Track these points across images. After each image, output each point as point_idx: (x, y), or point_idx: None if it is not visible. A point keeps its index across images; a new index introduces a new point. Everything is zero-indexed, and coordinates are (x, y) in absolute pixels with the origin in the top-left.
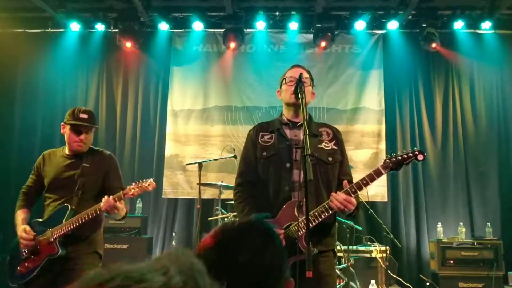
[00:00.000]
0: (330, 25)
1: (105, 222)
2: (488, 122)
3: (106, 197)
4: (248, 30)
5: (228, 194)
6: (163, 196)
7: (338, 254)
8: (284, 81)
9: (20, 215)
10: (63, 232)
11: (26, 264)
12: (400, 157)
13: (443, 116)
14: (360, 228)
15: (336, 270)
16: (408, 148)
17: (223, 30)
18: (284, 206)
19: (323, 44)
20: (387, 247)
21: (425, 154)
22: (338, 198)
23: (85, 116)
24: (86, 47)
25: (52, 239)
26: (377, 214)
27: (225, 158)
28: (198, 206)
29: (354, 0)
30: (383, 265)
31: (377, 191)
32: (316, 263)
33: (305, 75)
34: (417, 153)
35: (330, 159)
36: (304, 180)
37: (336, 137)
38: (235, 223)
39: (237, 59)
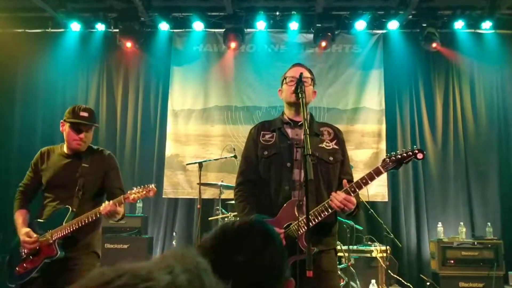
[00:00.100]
0: (330, 25)
1: (105, 222)
2: (489, 122)
3: (106, 202)
4: (248, 30)
5: (228, 194)
6: (163, 196)
7: (339, 254)
8: (284, 81)
9: (19, 217)
10: (62, 234)
11: (24, 265)
12: (399, 156)
13: (444, 116)
14: (361, 228)
15: None
16: (408, 148)
17: (224, 30)
18: (284, 205)
19: (323, 44)
20: (388, 247)
21: (425, 152)
22: (338, 197)
23: (85, 114)
24: (87, 47)
25: (51, 241)
26: (378, 214)
27: (225, 158)
28: (198, 206)
29: (354, 0)
30: (384, 265)
31: (378, 190)
32: (318, 260)
33: (306, 74)
34: (416, 151)
35: (331, 158)
36: (304, 180)
37: (337, 136)
38: (235, 223)
39: (238, 59)
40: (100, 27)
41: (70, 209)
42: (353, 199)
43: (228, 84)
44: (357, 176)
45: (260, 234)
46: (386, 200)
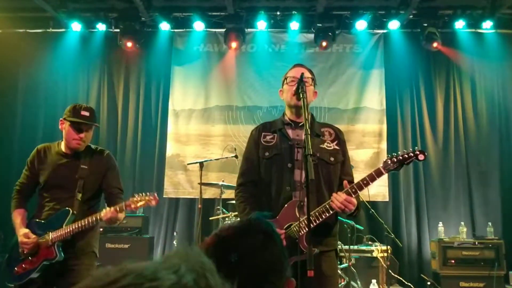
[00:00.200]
0: (331, 24)
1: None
2: (489, 122)
3: (108, 208)
4: (249, 30)
5: (229, 194)
6: (164, 196)
7: (339, 254)
8: (285, 81)
9: (18, 217)
10: (62, 237)
11: (23, 265)
12: (400, 157)
13: (444, 116)
14: (361, 228)
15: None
16: (409, 148)
17: (224, 30)
18: (285, 206)
19: (324, 44)
20: (388, 247)
21: (426, 153)
22: (338, 198)
23: (86, 113)
24: (87, 47)
25: (50, 243)
26: (378, 214)
27: (226, 157)
28: (199, 206)
29: (355, 0)
30: (384, 265)
31: (378, 190)
32: (318, 263)
33: (307, 74)
34: (418, 152)
35: (332, 159)
36: (305, 180)
37: (338, 137)
38: (235, 222)
39: (238, 59)
40: (101, 27)
41: (71, 211)
42: (354, 200)
43: (229, 84)
44: (358, 176)
45: (261, 233)
46: (387, 200)
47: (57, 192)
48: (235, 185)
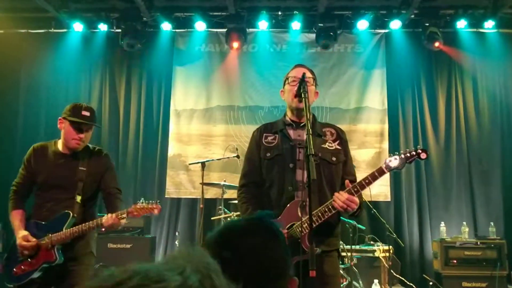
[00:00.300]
0: (332, 24)
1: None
2: (491, 121)
3: (109, 214)
4: (250, 29)
5: (231, 194)
6: (166, 196)
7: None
8: (287, 81)
9: (16, 218)
10: (63, 240)
11: (22, 266)
12: (402, 156)
13: (446, 116)
14: (363, 228)
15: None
16: (411, 148)
17: (226, 30)
18: (287, 206)
19: (325, 43)
20: (390, 247)
21: (428, 152)
22: (340, 197)
23: (87, 113)
24: (89, 47)
25: (50, 246)
26: (380, 214)
27: (228, 158)
28: (201, 206)
29: (356, 0)
30: (386, 265)
31: (380, 190)
32: (320, 263)
33: (308, 74)
34: (420, 151)
35: (333, 159)
36: (307, 180)
37: (340, 137)
38: (239, 220)
39: (240, 59)
40: (103, 27)
41: (71, 214)
42: (356, 199)
43: (231, 84)
44: (359, 176)
45: (264, 232)
46: (389, 199)
47: (55, 193)
48: (236, 185)
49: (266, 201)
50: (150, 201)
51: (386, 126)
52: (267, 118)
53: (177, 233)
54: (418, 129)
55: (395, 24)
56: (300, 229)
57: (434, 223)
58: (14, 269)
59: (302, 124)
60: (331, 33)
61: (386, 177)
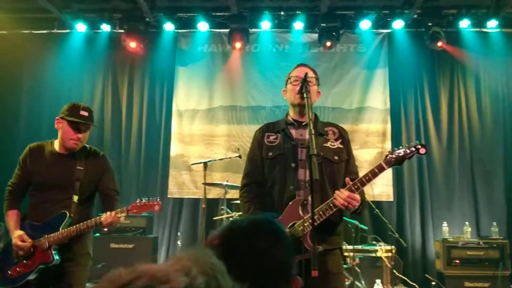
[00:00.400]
0: (335, 24)
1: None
2: (494, 121)
3: (108, 212)
4: (253, 30)
5: (233, 194)
6: (168, 196)
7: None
8: (289, 81)
9: (11, 218)
10: (60, 240)
11: (17, 268)
12: (402, 152)
13: (449, 115)
14: (366, 228)
15: None
16: (411, 143)
17: (228, 30)
18: (289, 204)
19: (328, 43)
20: (393, 247)
21: (427, 147)
22: (341, 195)
23: (85, 113)
24: (92, 47)
25: (47, 247)
26: (383, 214)
27: (230, 158)
28: (203, 206)
29: (359, 0)
30: (389, 265)
31: (383, 190)
32: (323, 261)
33: (311, 74)
34: (419, 146)
35: (336, 157)
36: (309, 180)
37: (342, 136)
38: (243, 221)
39: (242, 59)
40: (105, 27)
41: (68, 214)
42: (357, 197)
43: (233, 84)
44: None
45: (268, 232)
46: (391, 199)
47: (52, 193)
48: (239, 185)
49: (268, 200)
50: (150, 198)
51: (389, 126)
52: (269, 118)
53: (179, 233)
54: (421, 129)
55: (398, 24)
56: (301, 228)
57: (437, 223)
58: (9, 271)
59: (304, 124)
60: (334, 33)
61: (389, 177)
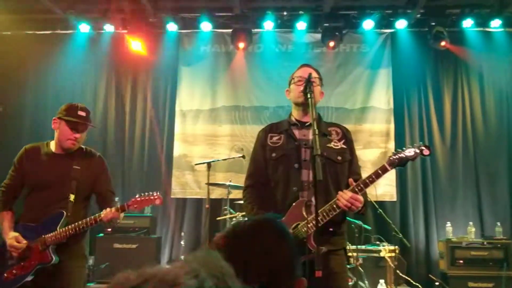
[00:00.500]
0: (338, 24)
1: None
2: (498, 121)
3: (108, 209)
4: (256, 30)
5: (236, 194)
6: (171, 196)
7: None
8: (292, 81)
9: (5, 219)
10: (58, 240)
11: (14, 271)
12: (405, 153)
13: (452, 115)
14: (369, 228)
15: None
16: (415, 144)
17: (231, 30)
18: (292, 205)
19: (331, 43)
20: (396, 247)
21: (431, 149)
22: (344, 196)
23: (83, 113)
24: (95, 48)
25: (45, 247)
26: (386, 214)
27: (233, 158)
28: (206, 206)
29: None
30: (392, 265)
31: (386, 190)
32: (327, 262)
33: (314, 74)
34: (423, 148)
35: (339, 158)
36: (313, 180)
37: (346, 136)
38: (247, 221)
39: (245, 59)
40: (109, 28)
41: (65, 213)
42: (360, 198)
43: (236, 84)
44: (365, 176)
45: (272, 232)
46: (395, 199)
47: (48, 193)
48: (242, 185)
49: (272, 201)
50: (150, 193)
51: (392, 126)
52: (273, 118)
53: (182, 233)
54: (424, 128)
55: (401, 24)
56: (305, 229)
57: (440, 223)
58: (5, 274)
59: (307, 124)
60: (337, 33)
61: (392, 177)
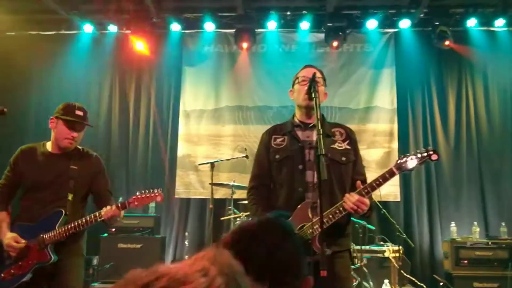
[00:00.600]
0: (341, 24)
1: (119, 222)
2: (502, 121)
3: (108, 207)
4: (259, 30)
5: (240, 194)
6: (175, 196)
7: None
8: (297, 81)
9: (2, 220)
10: (56, 238)
11: (11, 271)
12: (413, 157)
13: (456, 115)
14: (373, 228)
15: None
16: (421, 148)
17: (234, 30)
18: (298, 207)
19: (334, 43)
20: (400, 247)
21: (439, 154)
22: (351, 199)
23: (80, 113)
24: (99, 48)
25: (43, 246)
26: (390, 214)
27: (237, 158)
28: (210, 206)
29: None
30: (396, 265)
31: (390, 190)
32: (332, 264)
33: (318, 75)
34: (431, 152)
35: (343, 159)
36: (318, 181)
37: (350, 137)
38: (252, 220)
39: (249, 59)
40: (112, 28)
41: (64, 212)
42: (367, 201)
43: (239, 84)
44: (368, 175)
45: (278, 231)
46: (399, 199)
47: (46, 193)
48: (245, 185)
49: (276, 202)
50: (151, 190)
51: (396, 125)
52: (276, 118)
53: (186, 233)
54: (428, 128)
55: (405, 23)
56: (310, 230)
57: (445, 223)
58: (2, 274)
59: (310, 125)
60: (340, 33)
61: (396, 177)
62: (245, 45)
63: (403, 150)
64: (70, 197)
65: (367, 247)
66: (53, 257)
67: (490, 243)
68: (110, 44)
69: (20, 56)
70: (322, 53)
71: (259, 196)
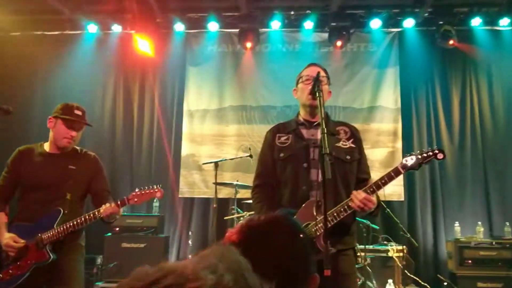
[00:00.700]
0: (345, 23)
1: (122, 221)
2: (506, 120)
3: (107, 204)
4: (263, 29)
5: (244, 193)
6: (179, 196)
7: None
8: (300, 80)
9: (0, 220)
10: (55, 237)
11: (10, 271)
12: (419, 156)
13: (460, 114)
14: (377, 227)
15: None
16: (425, 147)
17: (238, 30)
18: (303, 205)
19: (338, 43)
20: (404, 247)
21: (445, 152)
22: (358, 196)
23: (79, 112)
24: (103, 48)
25: (42, 245)
26: (394, 213)
27: (241, 157)
28: (214, 206)
29: None
30: (400, 265)
31: (394, 190)
32: (336, 262)
33: (322, 73)
34: (436, 151)
35: (348, 157)
36: (322, 179)
37: (354, 135)
38: (260, 218)
39: (252, 59)
40: (116, 28)
41: (62, 211)
42: (374, 199)
43: (243, 83)
44: (373, 175)
45: (286, 228)
46: (402, 199)
47: (44, 194)
48: (249, 184)
49: (281, 200)
50: (151, 186)
51: (400, 125)
52: (280, 118)
53: (190, 233)
54: (432, 128)
55: (409, 23)
56: (315, 229)
57: (448, 223)
58: (1, 274)
59: (315, 124)
60: (344, 32)
61: (400, 176)
62: (249, 44)
63: (407, 149)
64: (68, 196)
65: (370, 247)
66: (52, 257)
67: (494, 243)
68: (114, 44)
69: (25, 56)
70: (326, 52)
71: (263, 194)
